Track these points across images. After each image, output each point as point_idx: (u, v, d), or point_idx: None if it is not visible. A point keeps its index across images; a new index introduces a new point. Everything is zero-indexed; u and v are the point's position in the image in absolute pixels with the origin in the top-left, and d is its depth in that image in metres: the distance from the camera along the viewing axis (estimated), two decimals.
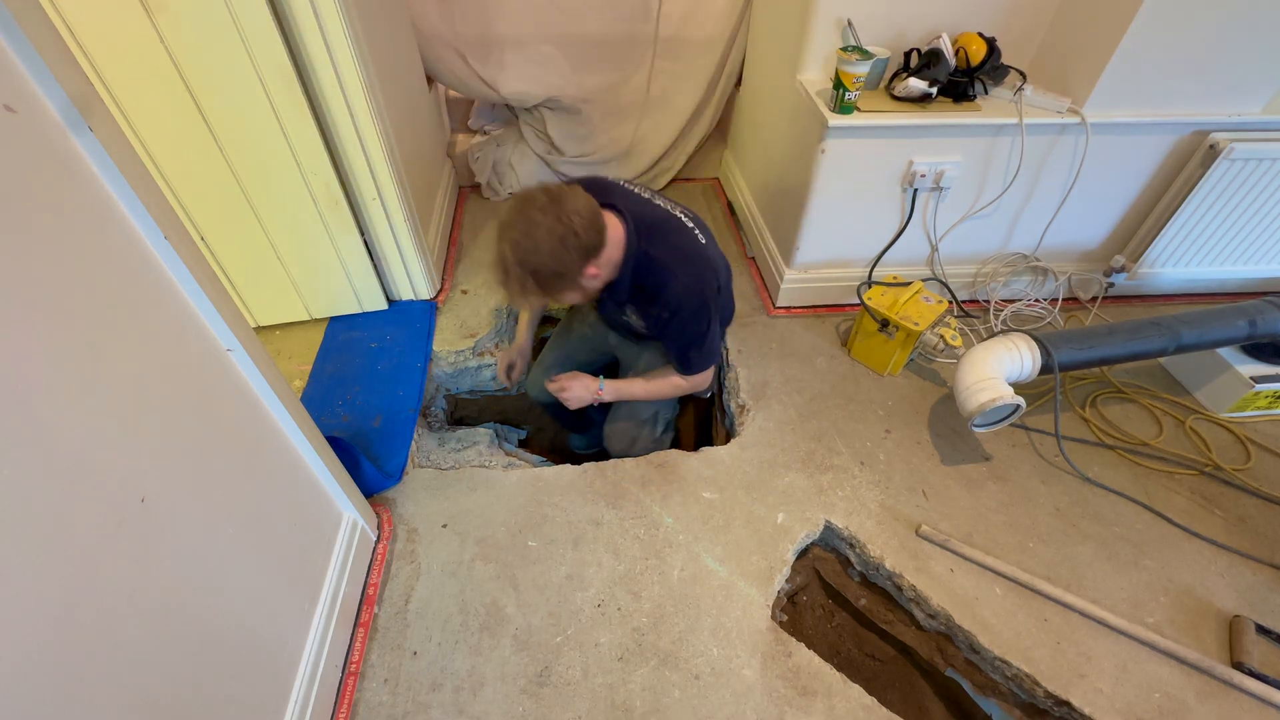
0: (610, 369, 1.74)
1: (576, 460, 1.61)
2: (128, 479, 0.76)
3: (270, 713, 1.02)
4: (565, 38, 2.18)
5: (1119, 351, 1.53)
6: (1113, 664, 1.24)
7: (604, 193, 1.30)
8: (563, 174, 2.40)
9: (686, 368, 1.44)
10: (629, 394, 1.53)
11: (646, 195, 1.36)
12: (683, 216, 1.35)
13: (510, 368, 1.72)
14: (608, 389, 1.51)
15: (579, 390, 1.49)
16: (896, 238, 1.87)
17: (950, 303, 1.85)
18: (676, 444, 1.73)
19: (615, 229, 1.26)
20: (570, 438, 2.12)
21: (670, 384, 1.50)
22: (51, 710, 0.64)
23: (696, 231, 1.34)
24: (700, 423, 2.19)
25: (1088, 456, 1.61)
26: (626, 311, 1.43)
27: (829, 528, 1.47)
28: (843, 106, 1.57)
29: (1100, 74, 1.56)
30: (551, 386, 1.51)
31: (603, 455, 1.67)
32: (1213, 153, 1.67)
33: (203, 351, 0.91)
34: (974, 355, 1.51)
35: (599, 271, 1.24)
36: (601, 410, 1.99)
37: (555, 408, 1.73)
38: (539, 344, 2.20)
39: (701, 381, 1.49)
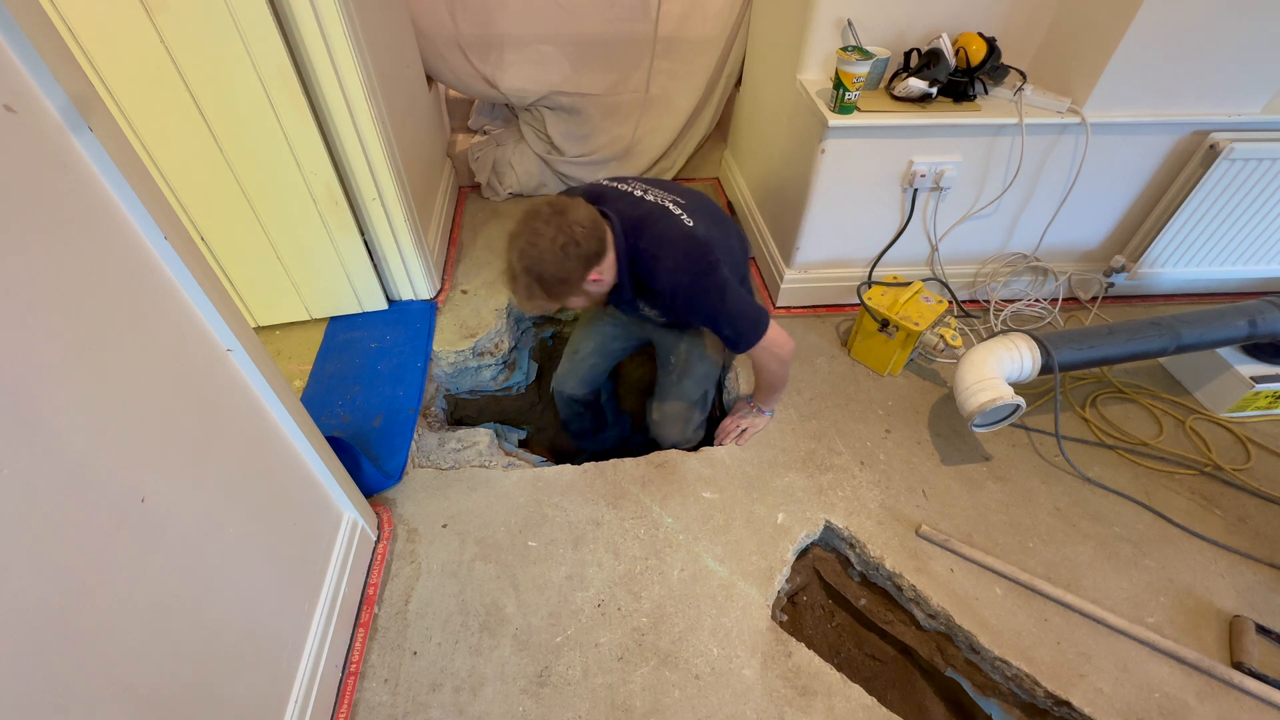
0: (633, 356, 1.75)
1: (576, 460, 1.61)
2: (128, 479, 0.76)
3: (270, 712, 1.02)
4: (565, 37, 2.18)
5: (1119, 351, 1.53)
6: (1113, 664, 1.24)
7: (599, 200, 1.35)
8: (563, 174, 2.40)
9: (735, 345, 1.40)
10: (773, 391, 1.58)
11: (639, 193, 1.38)
12: (670, 205, 1.36)
13: None
14: (765, 404, 1.63)
15: (758, 423, 1.63)
16: (896, 238, 1.87)
17: (950, 303, 1.85)
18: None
19: (610, 235, 1.31)
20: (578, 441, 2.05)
21: (766, 367, 1.48)
22: (51, 710, 0.64)
23: (683, 215, 1.35)
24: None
25: (1088, 456, 1.61)
26: (640, 307, 1.46)
27: (829, 528, 1.47)
28: (843, 106, 1.57)
29: (1100, 74, 1.56)
30: (742, 440, 1.62)
31: (602, 456, 1.67)
32: (1213, 153, 1.67)
33: (203, 351, 0.91)
34: (974, 355, 1.51)
35: (601, 277, 1.28)
36: (614, 413, 2.00)
37: (581, 406, 1.73)
38: (550, 343, 2.21)
39: (780, 342, 1.42)
